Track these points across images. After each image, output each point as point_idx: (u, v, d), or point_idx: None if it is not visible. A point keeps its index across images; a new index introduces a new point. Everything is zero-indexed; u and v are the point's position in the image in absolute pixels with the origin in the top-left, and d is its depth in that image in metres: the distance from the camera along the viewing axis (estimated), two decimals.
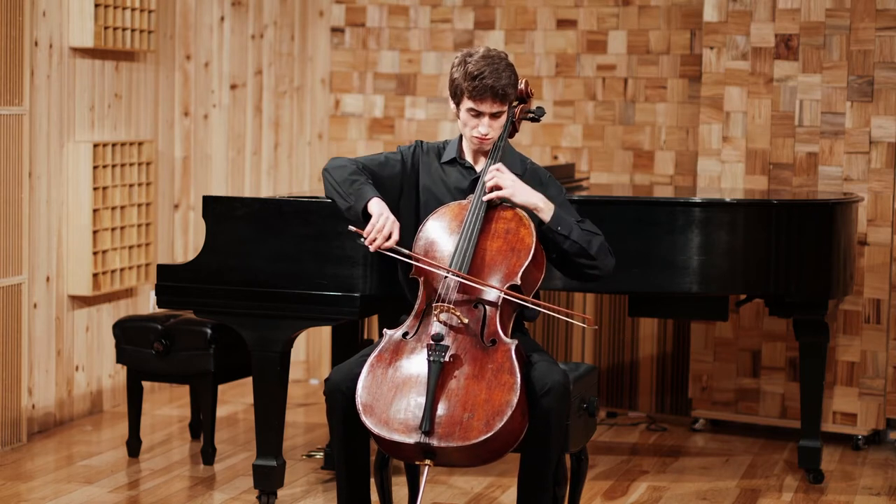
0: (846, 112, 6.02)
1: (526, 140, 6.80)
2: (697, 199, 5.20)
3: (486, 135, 4.18)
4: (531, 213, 4.13)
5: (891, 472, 5.66)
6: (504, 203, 4.15)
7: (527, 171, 4.30)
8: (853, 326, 6.04)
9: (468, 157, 4.31)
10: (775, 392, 6.21)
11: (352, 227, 4.10)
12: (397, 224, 4.09)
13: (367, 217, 4.12)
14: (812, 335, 5.40)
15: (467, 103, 4.16)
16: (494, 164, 4.17)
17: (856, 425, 6.04)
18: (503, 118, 4.20)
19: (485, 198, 4.12)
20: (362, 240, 4.08)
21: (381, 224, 4.06)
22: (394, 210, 4.20)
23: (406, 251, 4.09)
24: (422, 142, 4.39)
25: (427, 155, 4.36)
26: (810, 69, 6.08)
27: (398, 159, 4.35)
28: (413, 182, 4.34)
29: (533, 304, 4.06)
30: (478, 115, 4.17)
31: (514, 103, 4.37)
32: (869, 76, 5.98)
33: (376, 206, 4.11)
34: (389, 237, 4.06)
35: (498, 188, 4.11)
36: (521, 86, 4.37)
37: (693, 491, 5.29)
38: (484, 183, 4.14)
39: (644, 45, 6.66)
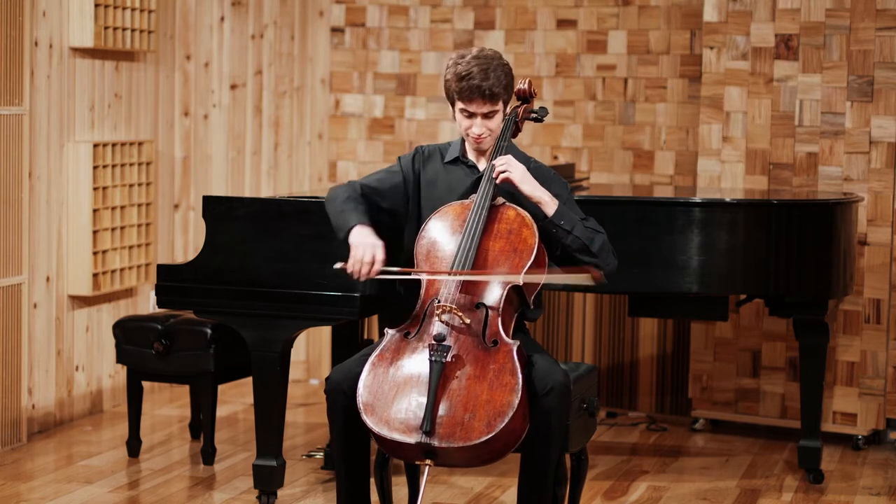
0: (846, 112, 6.02)
1: (526, 140, 6.79)
2: (697, 199, 5.20)
3: (480, 135, 4.19)
4: (535, 206, 4.13)
5: (891, 472, 5.66)
6: (507, 203, 4.15)
7: (530, 171, 4.30)
8: (853, 326, 6.04)
9: (471, 156, 4.31)
10: (775, 392, 6.20)
11: (336, 265, 4.06)
12: (380, 245, 4.05)
13: None
14: (812, 335, 5.40)
15: (459, 104, 4.17)
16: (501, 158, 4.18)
17: (856, 425, 6.04)
18: (497, 117, 4.19)
19: (496, 179, 4.10)
20: (347, 274, 4.04)
21: (361, 254, 4.03)
22: (402, 219, 4.22)
23: (396, 269, 4.06)
24: (423, 147, 4.39)
25: (428, 158, 4.35)
26: (810, 69, 6.07)
27: (398, 170, 4.34)
28: (416, 188, 4.34)
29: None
30: (470, 115, 4.18)
31: (517, 103, 4.37)
32: (869, 76, 5.98)
33: (354, 236, 4.07)
34: (373, 262, 4.03)
35: (507, 172, 4.11)
36: (524, 85, 4.36)
37: (693, 491, 5.29)
38: (491, 178, 4.13)
39: (644, 45, 6.66)
